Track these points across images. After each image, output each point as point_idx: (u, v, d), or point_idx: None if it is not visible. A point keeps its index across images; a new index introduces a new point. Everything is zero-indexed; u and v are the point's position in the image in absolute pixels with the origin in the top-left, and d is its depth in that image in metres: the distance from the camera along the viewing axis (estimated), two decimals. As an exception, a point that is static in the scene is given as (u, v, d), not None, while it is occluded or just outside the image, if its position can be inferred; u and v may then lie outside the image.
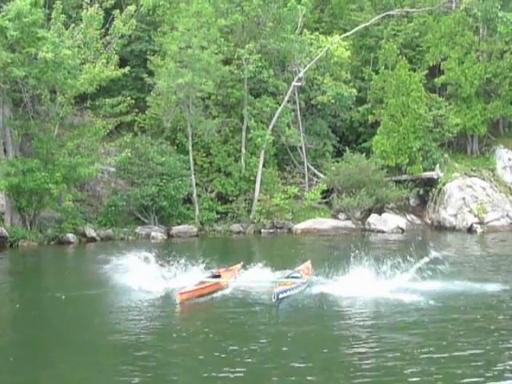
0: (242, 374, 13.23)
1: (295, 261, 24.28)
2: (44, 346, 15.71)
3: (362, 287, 19.60)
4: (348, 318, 17.88)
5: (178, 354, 14.82)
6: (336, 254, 29.82)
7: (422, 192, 41.98)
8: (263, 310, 18.62)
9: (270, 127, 40.54)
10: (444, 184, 41.37)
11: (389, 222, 39.00)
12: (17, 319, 18.77)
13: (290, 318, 18.16)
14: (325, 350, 14.95)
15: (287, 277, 21.30)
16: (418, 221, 41.48)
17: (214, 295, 20.49)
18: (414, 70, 43.04)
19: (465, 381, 12.82)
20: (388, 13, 45.41)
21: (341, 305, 18.95)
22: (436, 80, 43.63)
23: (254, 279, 21.82)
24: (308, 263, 23.11)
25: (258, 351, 14.78)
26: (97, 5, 35.41)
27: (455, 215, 40.19)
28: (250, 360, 14.05)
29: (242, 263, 23.60)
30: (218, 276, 21.88)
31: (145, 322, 17.54)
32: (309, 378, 12.94)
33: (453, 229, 39.49)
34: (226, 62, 39.95)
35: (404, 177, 41.62)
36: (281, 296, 19.07)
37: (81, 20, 35.39)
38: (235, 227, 38.42)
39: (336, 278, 20.93)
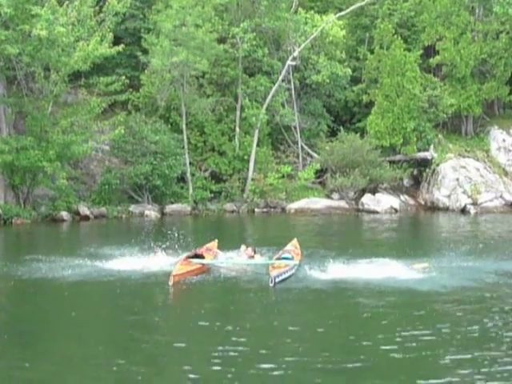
0: (235, 354, 13.28)
1: (285, 241, 24.10)
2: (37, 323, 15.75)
3: (353, 266, 19.68)
4: (341, 297, 17.94)
5: (172, 335, 14.87)
6: (328, 234, 29.94)
7: (415, 172, 42.05)
8: (257, 291, 18.64)
9: (265, 106, 40.47)
10: (438, 165, 41.41)
11: (382, 202, 39.09)
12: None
13: (284, 298, 18.20)
14: (320, 330, 14.99)
15: (278, 258, 21.26)
16: (411, 201, 41.57)
17: (206, 276, 20.42)
18: (409, 50, 42.91)
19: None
20: (384, -8, 45.21)
21: (334, 283, 18.96)
22: (431, 60, 43.56)
23: (242, 260, 21.74)
24: (295, 241, 23.05)
25: (252, 331, 14.83)
26: (91, -18, 35.15)
27: (449, 196, 40.29)
28: (243, 340, 14.08)
29: (217, 240, 23.49)
30: (201, 256, 21.35)
31: (138, 304, 17.56)
32: (305, 358, 12.98)
33: (446, 209, 39.62)
34: (221, 40, 39.80)
35: (398, 157, 41.63)
36: (277, 280, 19.16)
37: (75, -3, 35.18)
38: (229, 206, 38.47)
39: (328, 257, 21.00)
